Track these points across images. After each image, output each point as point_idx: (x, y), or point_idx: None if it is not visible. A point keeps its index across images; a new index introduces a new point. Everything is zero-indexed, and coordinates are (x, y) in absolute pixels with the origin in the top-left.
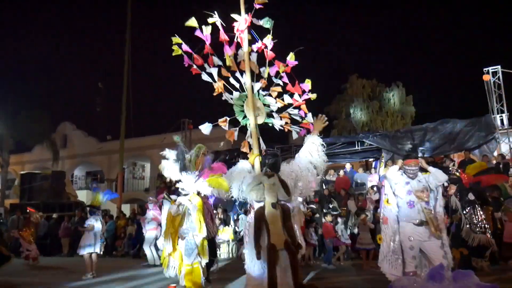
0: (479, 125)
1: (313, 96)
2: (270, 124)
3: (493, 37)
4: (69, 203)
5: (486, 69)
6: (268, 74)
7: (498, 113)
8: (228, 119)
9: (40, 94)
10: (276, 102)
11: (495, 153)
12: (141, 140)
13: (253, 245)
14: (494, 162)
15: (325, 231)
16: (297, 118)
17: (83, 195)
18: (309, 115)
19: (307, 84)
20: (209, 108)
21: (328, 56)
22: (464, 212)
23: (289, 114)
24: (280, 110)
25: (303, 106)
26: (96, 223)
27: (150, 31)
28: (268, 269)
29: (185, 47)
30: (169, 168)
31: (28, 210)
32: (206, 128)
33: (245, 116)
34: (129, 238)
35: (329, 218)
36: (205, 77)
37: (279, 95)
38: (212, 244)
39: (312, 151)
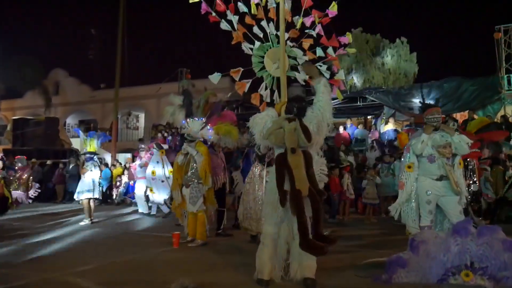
0: (485, 85)
1: (352, 50)
2: (293, 77)
3: None
4: (63, 150)
5: (498, 26)
6: (301, 24)
7: (506, 73)
8: (241, 69)
9: (31, 39)
10: (304, 55)
11: (499, 115)
12: (136, 90)
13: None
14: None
15: (332, 185)
16: (326, 74)
17: (77, 143)
18: (341, 71)
19: (347, 38)
20: (208, 58)
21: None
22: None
23: (318, 68)
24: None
25: (336, 62)
26: (94, 169)
27: None
28: (298, 215)
29: None
30: (174, 113)
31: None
32: (215, 78)
33: (262, 68)
34: (125, 186)
35: (336, 172)
36: (223, 25)
37: (310, 48)
38: (221, 194)
39: (328, 95)
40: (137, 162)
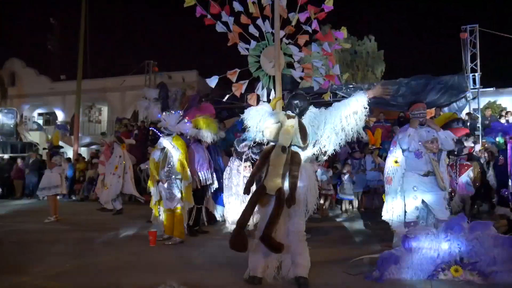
0: (452, 83)
1: (346, 45)
2: (288, 75)
3: None
4: (21, 143)
5: (464, 27)
6: (297, 20)
7: (471, 72)
8: (238, 71)
9: None
10: (299, 51)
11: (464, 112)
12: (99, 82)
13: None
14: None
15: None
16: (322, 70)
17: (35, 136)
18: (337, 66)
19: (342, 32)
20: (176, 50)
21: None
22: None
23: (313, 64)
24: (302, 61)
25: (331, 57)
26: (63, 164)
27: None
28: (245, 206)
29: None
30: (149, 107)
31: None
32: (212, 81)
33: (258, 68)
34: (89, 182)
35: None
36: (219, 27)
37: (305, 44)
38: (202, 191)
39: (349, 109)
40: (102, 157)
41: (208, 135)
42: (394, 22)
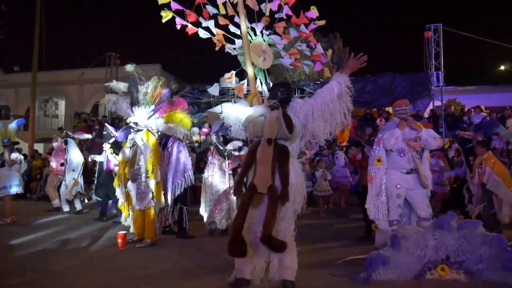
0: (416, 81)
1: (321, 22)
2: (279, 65)
3: None
4: None
5: (428, 26)
6: (270, 10)
7: (435, 70)
8: (234, 73)
9: None
10: (282, 39)
11: (428, 109)
12: (56, 74)
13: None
14: (426, 117)
15: None
16: (307, 52)
17: None
18: (318, 45)
19: (313, 12)
20: (137, 41)
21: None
22: None
23: (297, 48)
24: (287, 48)
25: (312, 37)
26: (22, 161)
27: None
28: (238, 209)
29: (174, 4)
30: (117, 102)
31: None
32: (214, 90)
33: (251, 64)
34: (46, 180)
35: None
36: (202, 33)
37: (284, 32)
38: (184, 190)
39: (333, 93)
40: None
41: (181, 131)
42: (359, 19)
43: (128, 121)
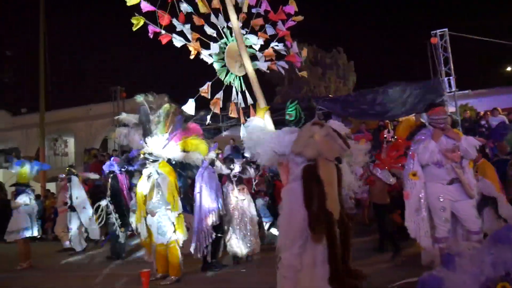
0: (428, 88)
1: (298, 18)
2: (255, 68)
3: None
4: None
5: (434, 32)
6: (248, 6)
7: (445, 76)
8: (209, 83)
9: None
10: (258, 38)
11: None
12: (63, 113)
13: (286, 218)
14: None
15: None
16: (283, 51)
17: None
18: (294, 44)
19: (292, 6)
20: (144, 73)
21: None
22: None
23: (273, 48)
24: (262, 48)
25: (288, 36)
26: (30, 203)
27: None
28: (330, 244)
29: (144, 4)
30: (128, 134)
31: None
32: (189, 107)
33: (228, 73)
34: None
35: None
36: (177, 41)
37: (260, 29)
38: (219, 224)
39: None
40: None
41: (198, 158)
42: (361, 32)
43: (142, 152)
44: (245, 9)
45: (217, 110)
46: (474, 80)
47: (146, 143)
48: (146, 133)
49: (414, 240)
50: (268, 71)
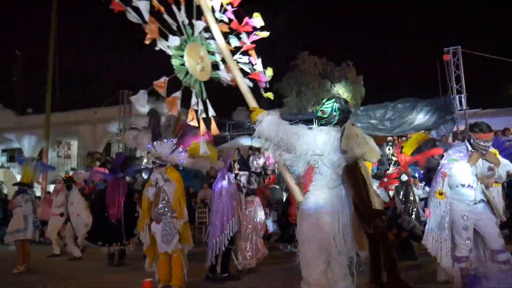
0: (438, 105)
1: (264, 34)
2: (216, 79)
3: (444, 18)
4: None
5: (447, 49)
6: (212, 8)
7: (456, 94)
8: (167, 79)
9: None
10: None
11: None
12: (68, 115)
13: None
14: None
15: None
16: (246, 68)
17: (0, 174)
18: (259, 61)
19: (257, 19)
20: (153, 77)
21: (277, 31)
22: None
23: (237, 62)
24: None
25: (252, 51)
26: (25, 204)
27: None
28: (384, 244)
29: None
30: (137, 137)
31: None
32: (140, 99)
33: (188, 73)
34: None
35: None
36: (131, 16)
37: (225, 37)
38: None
39: None
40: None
41: (205, 164)
42: (371, 46)
43: (150, 156)
44: (208, 12)
45: (173, 112)
46: (485, 99)
47: (154, 147)
48: (155, 137)
49: (425, 256)
50: (231, 83)
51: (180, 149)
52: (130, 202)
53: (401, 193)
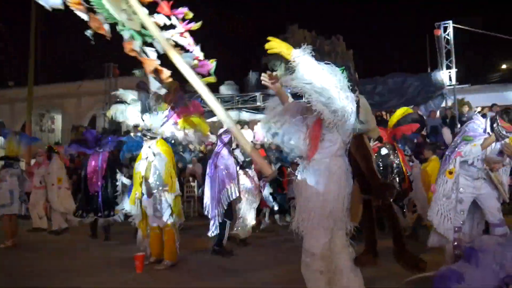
0: (428, 81)
1: (194, 26)
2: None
3: None
4: None
5: (438, 23)
6: None
7: (447, 69)
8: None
9: None
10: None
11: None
12: (51, 88)
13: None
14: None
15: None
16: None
17: None
18: (198, 49)
19: (183, 10)
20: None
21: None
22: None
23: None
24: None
25: (190, 40)
26: (10, 178)
27: None
28: (393, 219)
29: None
30: (126, 111)
31: None
32: None
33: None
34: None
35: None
36: None
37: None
38: (229, 207)
39: None
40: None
41: (198, 137)
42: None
43: (140, 129)
44: None
45: (149, 69)
46: (474, 75)
47: (143, 120)
48: (145, 109)
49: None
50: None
51: (171, 121)
52: (111, 174)
53: (380, 166)
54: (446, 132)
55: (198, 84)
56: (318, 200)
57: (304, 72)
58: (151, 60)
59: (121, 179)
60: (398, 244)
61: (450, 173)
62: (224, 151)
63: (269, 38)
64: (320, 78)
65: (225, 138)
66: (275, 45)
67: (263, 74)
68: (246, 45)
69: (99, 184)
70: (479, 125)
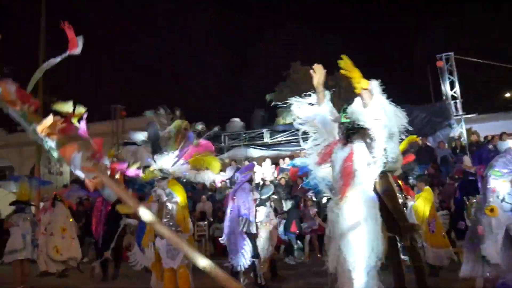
0: (434, 111)
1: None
2: None
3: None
4: None
5: (440, 55)
6: None
7: (452, 100)
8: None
9: None
10: None
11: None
12: None
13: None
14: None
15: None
16: None
17: None
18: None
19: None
20: (145, 91)
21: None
22: None
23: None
24: None
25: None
26: (22, 223)
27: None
28: (416, 258)
29: None
30: (137, 151)
31: None
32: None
33: None
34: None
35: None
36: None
37: None
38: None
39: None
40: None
41: (209, 177)
42: (365, 53)
43: (151, 169)
44: None
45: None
46: (479, 104)
47: (154, 161)
48: (155, 150)
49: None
50: None
51: (182, 161)
52: (114, 217)
53: None
54: (467, 161)
55: None
56: (361, 238)
57: (378, 104)
58: None
59: (125, 220)
60: (422, 283)
61: (491, 210)
62: (245, 186)
63: (343, 56)
64: (391, 117)
65: (245, 177)
66: (348, 67)
67: (315, 64)
68: (251, 81)
69: (100, 231)
70: (510, 161)
